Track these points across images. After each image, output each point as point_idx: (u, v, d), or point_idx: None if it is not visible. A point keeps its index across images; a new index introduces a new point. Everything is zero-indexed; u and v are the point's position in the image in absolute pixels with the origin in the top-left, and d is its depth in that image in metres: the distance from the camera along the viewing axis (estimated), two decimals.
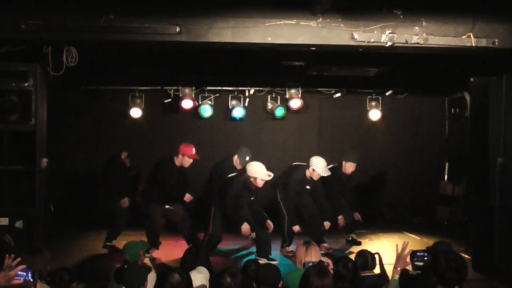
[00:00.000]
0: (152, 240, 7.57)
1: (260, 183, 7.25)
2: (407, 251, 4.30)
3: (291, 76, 9.41)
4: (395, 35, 6.03)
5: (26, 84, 6.29)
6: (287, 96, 10.00)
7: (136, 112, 9.76)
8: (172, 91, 9.84)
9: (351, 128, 10.74)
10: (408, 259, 4.37)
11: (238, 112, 9.95)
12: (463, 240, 7.97)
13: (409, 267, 4.49)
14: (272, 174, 7.34)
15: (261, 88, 10.04)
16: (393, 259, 4.33)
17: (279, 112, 10.07)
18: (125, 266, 4.84)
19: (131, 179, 8.50)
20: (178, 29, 5.82)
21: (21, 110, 6.28)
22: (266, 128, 10.53)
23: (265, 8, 5.94)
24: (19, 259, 3.43)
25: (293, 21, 5.94)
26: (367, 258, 4.98)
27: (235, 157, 8.06)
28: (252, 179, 7.24)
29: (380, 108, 10.38)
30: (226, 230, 7.70)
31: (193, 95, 9.71)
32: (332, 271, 4.04)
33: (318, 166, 7.69)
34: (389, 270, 4.63)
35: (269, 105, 10.22)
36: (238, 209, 7.31)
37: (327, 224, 8.03)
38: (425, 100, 10.89)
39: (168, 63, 8.16)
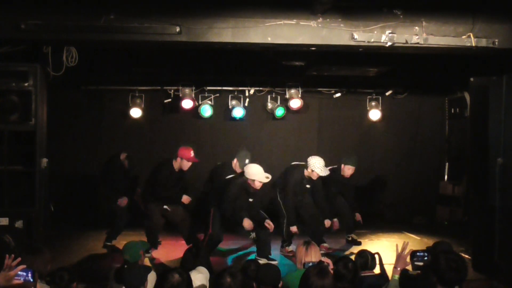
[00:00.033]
0: (151, 240, 7.57)
1: (258, 185, 7.25)
2: (407, 251, 4.30)
3: (291, 76, 9.41)
4: (395, 35, 6.04)
5: (26, 84, 6.30)
6: (287, 96, 9.99)
7: (136, 112, 9.75)
8: (172, 91, 9.84)
9: (351, 128, 10.74)
10: (408, 259, 4.37)
11: (238, 112, 9.94)
12: (463, 240, 7.97)
13: (409, 267, 4.49)
14: (270, 176, 7.33)
15: (261, 88, 10.04)
16: (393, 259, 4.34)
17: (279, 112, 10.07)
18: (125, 266, 4.84)
19: (131, 179, 8.50)
20: (178, 29, 5.82)
21: (21, 110, 6.29)
22: (266, 128, 10.53)
23: (265, 8, 5.94)
24: (19, 259, 3.43)
25: (293, 21, 5.95)
26: (367, 258, 4.98)
27: (235, 161, 8.03)
28: (250, 181, 7.24)
29: (380, 108, 10.37)
30: (226, 230, 7.70)
31: (193, 95, 9.71)
32: (332, 271, 4.04)
33: (317, 166, 7.69)
34: (389, 270, 4.63)
35: (269, 105, 10.22)
36: (236, 210, 7.30)
37: (327, 223, 8.02)
38: (425, 100, 10.88)
39: (168, 63, 8.16)
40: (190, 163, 7.64)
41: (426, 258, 4.52)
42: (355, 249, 6.85)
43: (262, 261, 6.79)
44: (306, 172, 7.84)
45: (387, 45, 6.08)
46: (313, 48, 6.28)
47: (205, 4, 5.88)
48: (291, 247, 7.84)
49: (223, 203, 7.26)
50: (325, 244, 7.99)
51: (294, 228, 7.79)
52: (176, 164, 7.66)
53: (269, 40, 5.97)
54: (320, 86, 10.22)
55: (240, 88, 10.04)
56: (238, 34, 5.93)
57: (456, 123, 10.73)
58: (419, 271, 4.52)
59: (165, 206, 7.75)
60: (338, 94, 10.38)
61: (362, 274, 4.79)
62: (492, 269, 6.62)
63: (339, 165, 8.36)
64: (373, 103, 10.41)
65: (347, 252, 7.89)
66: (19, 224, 6.28)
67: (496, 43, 6.15)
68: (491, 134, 6.60)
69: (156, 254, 7.69)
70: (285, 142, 10.42)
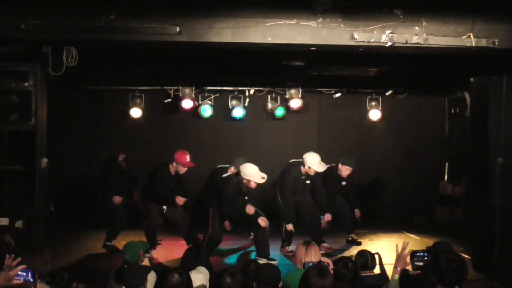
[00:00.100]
0: (150, 241, 7.58)
1: (253, 185, 7.27)
2: (407, 251, 4.30)
3: (291, 76, 9.41)
4: (395, 35, 6.03)
5: (26, 84, 6.29)
6: (287, 96, 10.00)
7: (136, 112, 9.75)
8: (172, 91, 9.84)
9: (351, 128, 10.73)
10: (408, 259, 4.36)
11: (238, 112, 9.94)
12: (463, 240, 7.96)
13: (409, 267, 4.49)
14: (265, 177, 7.32)
15: (261, 88, 10.04)
16: (393, 259, 4.33)
17: (279, 112, 10.07)
18: (125, 266, 4.84)
19: (129, 180, 8.50)
20: (178, 29, 5.82)
21: (21, 110, 6.28)
22: (266, 128, 10.53)
23: (265, 8, 5.94)
24: (19, 259, 3.43)
25: (293, 21, 5.94)
26: (367, 258, 4.98)
27: (232, 169, 8.00)
28: (245, 181, 7.25)
29: (380, 108, 10.38)
30: (226, 230, 7.70)
31: (193, 95, 9.71)
32: (332, 271, 4.04)
33: (313, 163, 7.69)
34: (389, 270, 4.63)
35: (269, 105, 10.22)
36: (237, 210, 7.31)
37: (328, 216, 8.02)
38: (425, 100, 10.88)
39: (168, 63, 8.16)
40: (186, 168, 7.67)
41: (426, 258, 4.52)
42: (355, 249, 6.84)
43: (262, 261, 6.80)
44: (303, 169, 7.84)
45: (387, 45, 6.08)
46: (313, 48, 6.28)
47: (205, 4, 5.88)
48: (291, 247, 7.84)
49: (222, 202, 7.27)
50: (325, 244, 7.99)
51: (290, 226, 7.77)
52: (172, 168, 7.70)
53: (269, 40, 5.97)
54: (320, 86, 10.22)
55: (240, 88, 10.04)
56: (238, 34, 5.93)
57: (456, 123, 10.73)
58: (419, 271, 4.52)
59: (164, 207, 7.77)
60: (338, 94, 10.38)
61: (362, 274, 4.79)
62: (492, 269, 6.62)
63: (337, 164, 8.38)
64: (373, 103, 10.41)
65: (347, 252, 7.88)
66: (19, 224, 6.27)
67: (496, 43, 6.14)
68: (491, 134, 6.60)
69: (156, 254, 7.70)
70: (285, 142, 10.42)
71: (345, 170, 8.32)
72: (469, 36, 6.11)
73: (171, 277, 3.70)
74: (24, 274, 3.43)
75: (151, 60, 8.05)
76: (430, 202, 10.83)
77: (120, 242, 7.57)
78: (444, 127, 11.02)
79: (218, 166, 8.56)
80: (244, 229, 7.94)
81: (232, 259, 7.75)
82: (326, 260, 4.44)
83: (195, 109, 9.79)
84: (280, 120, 10.29)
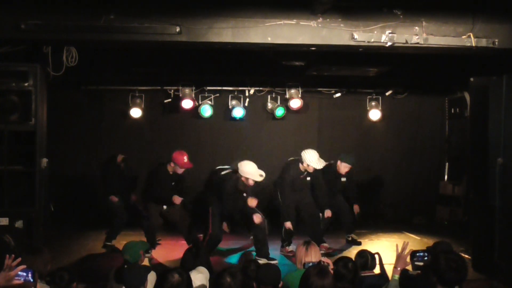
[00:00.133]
0: (150, 241, 7.58)
1: (252, 183, 7.28)
2: (407, 251, 4.30)
3: (291, 76, 9.41)
4: (395, 35, 6.03)
5: (26, 84, 6.29)
6: (287, 96, 10.00)
7: (136, 112, 9.75)
8: (172, 91, 9.84)
9: (351, 128, 10.74)
10: (408, 259, 4.36)
11: (238, 112, 9.95)
12: (463, 240, 7.97)
13: (409, 267, 4.49)
14: (263, 174, 7.34)
15: (261, 88, 10.04)
16: (393, 259, 4.33)
17: (279, 112, 10.08)
18: (125, 266, 4.84)
19: (129, 180, 8.49)
20: (178, 29, 5.82)
21: (21, 110, 6.28)
22: (266, 128, 10.53)
23: (265, 8, 5.93)
24: (19, 259, 3.42)
25: (293, 21, 5.94)
26: (367, 258, 4.98)
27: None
28: (244, 179, 7.26)
29: (380, 108, 10.38)
30: (229, 230, 7.71)
31: (193, 95, 9.71)
32: (332, 271, 4.04)
33: (312, 160, 7.70)
34: (389, 270, 4.63)
35: (269, 105, 10.23)
36: (235, 205, 7.31)
37: (327, 213, 8.02)
38: (425, 100, 10.88)
39: (168, 63, 8.16)
40: (183, 169, 7.67)
41: (426, 258, 4.53)
42: (355, 249, 6.84)
43: (262, 261, 6.80)
44: (301, 167, 7.84)
45: (387, 45, 6.08)
46: (313, 48, 6.28)
47: (205, 4, 5.88)
48: (291, 247, 7.83)
49: (223, 199, 7.27)
50: (325, 244, 7.99)
51: (288, 224, 7.75)
52: (170, 168, 7.70)
53: (269, 40, 5.97)
54: (320, 86, 10.22)
55: (240, 88, 10.04)
56: (238, 34, 5.93)
57: (456, 123, 10.73)
58: (419, 271, 4.52)
59: (165, 207, 7.77)
60: (338, 94, 10.38)
61: (362, 274, 4.79)
62: (492, 269, 6.62)
63: (336, 161, 8.39)
64: (373, 103, 10.41)
65: (347, 252, 7.88)
66: (19, 224, 6.27)
67: (496, 43, 6.14)
68: (491, 134, 6.60)
69: (156, 254, 7.70)
70: (285, 142, 10.42)
71: (343, 167, 8.34)
72: (469, 36, 6.11)
73: (171, 277, 3.70)
74: (24, 274, 3.42)
75: (151, 60, 8.05)
76: (430, 202, 10.82)
77: (120, 242, 7.57)
78: (444, 127, 11.02)
79: (217, 167, 8.57)
80: (244, 229, 7.93)
81: (233, 259, 7.75)
82: (326, 260, 4.44)
83: (195, 109, 9.79)
84: (280, 120, 10.29)
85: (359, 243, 8.55)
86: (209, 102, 9.91)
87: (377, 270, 5.07)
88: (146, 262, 5.42)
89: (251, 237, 8.10)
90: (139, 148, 9.92)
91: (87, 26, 5.78)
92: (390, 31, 6.03)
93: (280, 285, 4.31)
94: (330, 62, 7.93)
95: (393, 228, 9.76)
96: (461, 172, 10.27)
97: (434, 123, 11.04)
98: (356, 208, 8.65)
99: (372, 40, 6.03)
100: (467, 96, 9.31)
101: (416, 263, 4.54)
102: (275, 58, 7.32)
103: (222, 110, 10.19)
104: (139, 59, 7.94)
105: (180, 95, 9.66)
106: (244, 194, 7.40)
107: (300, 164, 7.83)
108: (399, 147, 10.86)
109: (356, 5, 6.00)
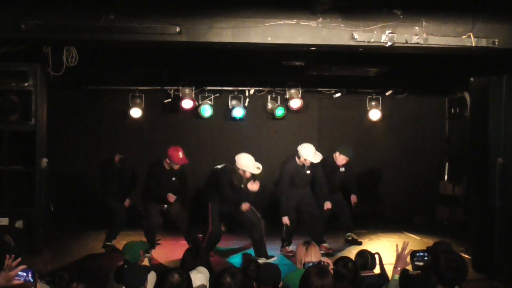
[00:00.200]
0: (150, 240, 7.57)
1: (248, 175, 7.31)
2: (407, 251, 4.30)
3: (291, 76, 9.41)
4: (395, 35, 6.03)
5: (26, 84, 6.29)
6: (287, 96, 10.00)
7: (136, 112, 9.75)
8: (172, 91, 9.84)
9: (351, 128, 10.73)
10: (408, 259, 4.36)
11: (238, 112, 9.95)
12: (463, 240, 7.96)
13: (409, 267, 4.49)
14: (260, 166, 7.35)
15: (261, 88, 10.04)
16: (393, 259, 4.33)
17: (279, 112, 10.08)
18: (125, 266, 4.84)
19: (127, 180, 8.48)
20: (178, 29, 5.82)
21: (21, 110, 6.28)
22: (266, 128, 10.53)
23: (265, 8, 5.94)
24: (19, 259, 3.43)
25: (293, 21, 5.94)
26: (367, 258, 4.98)
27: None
28: (241, 171, 7.27)
29: (380, 108, 10.38)
30: (226, 230, 7.70)
31: (193, 95, 9.71)
32: (332, 271, 4.04)
33: (308, 155, 7.69)
34: (389, 270, 4.63)
35: (269, 105, 10.23)
36: (234, 196, 7.32)
37: (327, 204, 8.01)
38: (425, 100, 10.88)
39: (168, 63, 8.16)
40: (179, 165, 7.66)
41: (426, 258, 4.52)
42: (355, 249, 6.84)
43: (262, 260, 6.80)
44: (298, 161, 7.83)
45: (387, 45, 6.08)
46: (313, 48, 6.28)
47: (205, 4, 5.88)
48: (291, 247, 7.83)
49: (222, 193, 7.28)
50: (325, 244, 7.98)
51: (285, 219, 7.72)
52: (166, 164, 7.69)
53: (269, 40, 5.97)
54: (320, 86, 10.22)
55: (240, 88, 10.04)
56: (238, 34, 5.93)
57: (456, 123, 10.72)
58: (419, 271, 4.52)
59: (165, 206, 7.77)
60: (338, 94, 10.38)
61: (362, 274, 4.79)
62: (492, 269, 6.62)
63: (334, 152, 8.39)
64: (373, 103, 10.41)
65: (347, 252, 7.87)
66: (19, 224, 6.27)
67: (496, 43, 6.14)
68: (491, 134, 6.60)
69: (156, 254, 7.69)
70: (285, 142, 10.41)
71: (341, 160, 8.33)
72: (469, 36, 6.11)
73: (171, 277, 3.70)
74: (24, 274, 3.42)
75: (151, 60, 8.05)
76: (430, 202, 10.82)
77: (120, 242, 7.57)
78: (444, 127, 11.02)
79: (215, 167, 8.57)
80: (244, 229, 7.92)
81: (233, 259, 7.74)
82: (326, 260, 4.44)
83: (195, 109, 9.79)
84: (280, 120, 10.29)
85: (360, 243, 8.55)
86: (209, 102, 9.91)
87: (377, 270, 5.07)
88: (146, 262, 5.41)
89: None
90: (139, 148, 9.91)
91: (87, 26, 5.78)
92: (390, 31, 6.03)
93: (280, 285, 4.31)
94: (330, 62, 7.93)
95: (393, 228, 9.76)
96: (461, 172, 10.28)
97: (434, 123, 11.03)
98: (353, 198, 8.64)
99: (372, 40, 6.03)
100: (467, 96, 9.31)
101: (416, 263, 4.53)
102: (275, 58, 7.32)
103: (222, 110, 10.19)
104: (139, 59, 7.94)
105: (180, 95, 9.66)
106: (242, 186, 7.39)
107: (297, 159, 7.82)
108: (399, 147, 10.85)
109: (356, 5, 6.00)
